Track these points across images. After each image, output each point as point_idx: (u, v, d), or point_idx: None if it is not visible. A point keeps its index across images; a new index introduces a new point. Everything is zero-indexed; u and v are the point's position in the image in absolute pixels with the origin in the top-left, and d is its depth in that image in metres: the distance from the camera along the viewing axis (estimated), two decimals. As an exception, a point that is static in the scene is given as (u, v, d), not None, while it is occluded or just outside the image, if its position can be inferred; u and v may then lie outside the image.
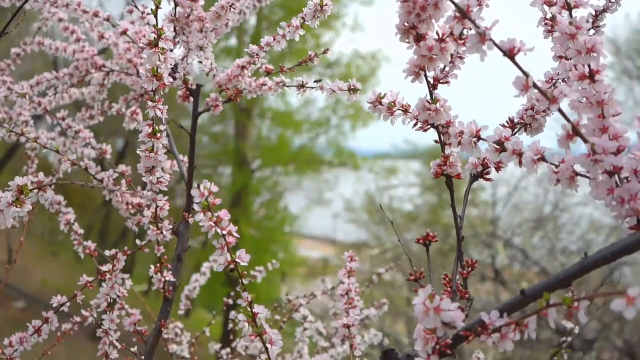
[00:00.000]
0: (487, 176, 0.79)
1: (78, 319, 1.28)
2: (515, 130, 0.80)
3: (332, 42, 11.58)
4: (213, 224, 0.72)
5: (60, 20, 1.31)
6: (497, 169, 0.79)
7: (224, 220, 0.73)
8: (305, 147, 12.02)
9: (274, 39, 1.04)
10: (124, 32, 1.19)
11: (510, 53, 0.59)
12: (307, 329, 1.48)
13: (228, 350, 1.50)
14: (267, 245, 11.04)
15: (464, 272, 0.73)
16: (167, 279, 1.11)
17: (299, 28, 1.00)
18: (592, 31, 0.83)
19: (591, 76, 0.63)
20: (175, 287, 1.16)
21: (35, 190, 0.78)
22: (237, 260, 0.74)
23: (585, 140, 0.60)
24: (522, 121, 0.80)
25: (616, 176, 0.62)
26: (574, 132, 0.60)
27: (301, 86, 1.08)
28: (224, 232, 0.73)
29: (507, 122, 0.81)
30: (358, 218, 11.41)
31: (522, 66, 0.59)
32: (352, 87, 1.00)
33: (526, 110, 0.80)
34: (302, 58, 1.15)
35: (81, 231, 1.23)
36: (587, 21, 0.84)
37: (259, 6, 1.32)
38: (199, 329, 1.67)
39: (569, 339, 1.22)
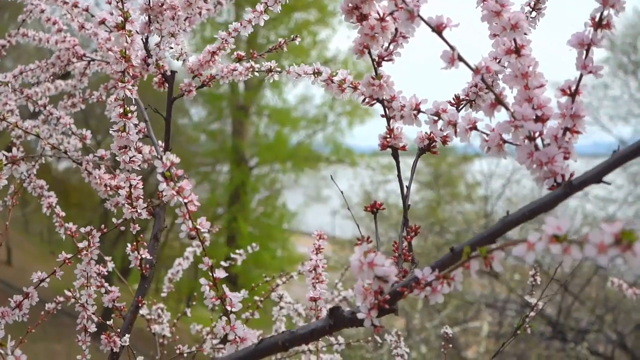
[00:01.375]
0: (434, 149, 0.84)
1: (61, 298, 1.33)
2: (461, 106, 0.85)
3: (329, 39, 11.64)
4: (175, 193, 0.77)
5: (42, 11, 1.37)
6: (444, 142, 0.84)
7: (186, 189, 0.78)
8: (302, 144, 12.08)
9: (241, 25, 1.10)
10: (102, 22, 1.24)
11: (438, 29, 0.64)
12: (282, 308, 1.54)
13: (208, 329, 1.56)
14: (266, 243, 11.08)
15: (408, 237, 0.78)
16: (143, 256, 1.16)
17: (263, 13, 1.06)
18: (533, 13, 0.88)
19: (517, 51, 0.68)
20: (152, 266, 1.21)
21: (9, 165, 0.83)
22: (198, 227, 0.79)
23: (507, 108, 0.65)
24: (467, 98, 0.85)
25: (540, 141, 0.67)
26: (497, 101, 0.65)
27: (269, 70, 1.13)
28: (186, 201, 0.78)
29: (453, 98, 0.86)
30: (355, 214, 11.44)
31: (449, 41, 0.64)
32: (316, 70, 1.05)
33: (471, 87, 0.85)
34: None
35: (63, 214, 1.28)
36: (529, 4, 0.89)
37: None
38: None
39: (532, 313, 1.27)
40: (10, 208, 1.40)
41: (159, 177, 0.77)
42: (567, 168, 0.64)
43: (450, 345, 1.29)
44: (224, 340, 0.82)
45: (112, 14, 1.32)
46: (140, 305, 1.19)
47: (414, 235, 0.78)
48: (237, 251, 1.62)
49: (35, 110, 1.36)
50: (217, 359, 0.78)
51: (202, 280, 0.80)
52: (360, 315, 0.68)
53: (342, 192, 1.17)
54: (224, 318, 0.81)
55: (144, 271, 1.18)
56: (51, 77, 1.43)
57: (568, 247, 0.49)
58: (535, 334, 6.16)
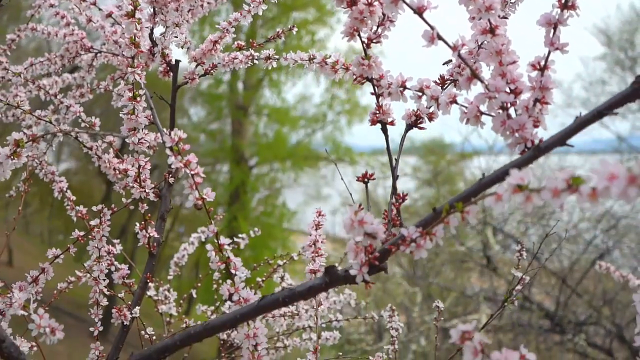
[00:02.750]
0: (421, 125, 0.91)
1: (73, 278, 1.40)
2: (446, 85, 0.92)
3: (327, 38, 11.72)
4: (183, 166, 0.84)
5: (51, 5, 1.44)
6: (430, 119, 0.91)
7: (192, 162, 0.85)
8: (302, 143, 12.15)
9: (241, 14, 1.17)
10: (109, 15, 1.31)
11: (419, 10, 0.71)
12: (285, 289, 1.60)
13: (212, 308, 1.63)
14: (266, 242, 11.14)
15: (397, 204, 0.85)
16: (151, 235, 1.23)
17: (262, 3, 1.13)
18: (512, -1, 0.95)
19: (492, 30, 0.75)
20: (159, 244, 1.28)
21: (30, 143, 0.90)
22: (205, 196, 0.86)
23: (482, 81, 0.72)
24: (451, 77, 0.92)
25: (513, 111, 0.74)
26: (473, 75, 0.72)
27: (268, 58, 1.20)
28: (193, 173, 0.85)
29: (438, 78, 0.93)
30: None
31: (429, 21, 0.71)
32: (311, 57, 1.12)
33: (455, 67, 0.92)
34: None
35: (73, 197, 1.35)
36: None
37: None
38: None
39: (519, 287, 1.34)
40: (23, 194, 1.47)
41: (167, 152, 0.84)
42: (536, 135, 0.71)
43: (443, 319, 1.36)
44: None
45: (118, 7, 1.40)
46: (148, 280, 1.26)
47: (402, 202, 0.85)
48: (239, 235, 1.68)
49: (45, 99, 1.44)
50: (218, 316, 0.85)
51: (208, 247, 0.87)
52: (352, 272, 0.75)
53: (342, 177, 1.22)
54: (229, 281, 0.88)
55: (151, 249, 1.25)
56: (60, 70, 1.50)
57: (529, 195, 0.56)
58: (534, 327, 6.24)
